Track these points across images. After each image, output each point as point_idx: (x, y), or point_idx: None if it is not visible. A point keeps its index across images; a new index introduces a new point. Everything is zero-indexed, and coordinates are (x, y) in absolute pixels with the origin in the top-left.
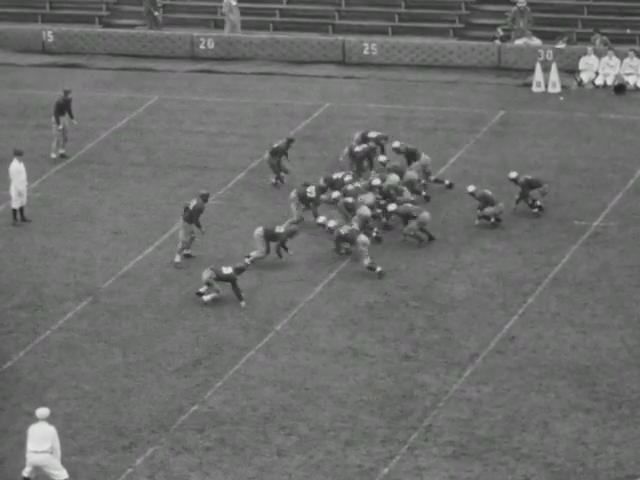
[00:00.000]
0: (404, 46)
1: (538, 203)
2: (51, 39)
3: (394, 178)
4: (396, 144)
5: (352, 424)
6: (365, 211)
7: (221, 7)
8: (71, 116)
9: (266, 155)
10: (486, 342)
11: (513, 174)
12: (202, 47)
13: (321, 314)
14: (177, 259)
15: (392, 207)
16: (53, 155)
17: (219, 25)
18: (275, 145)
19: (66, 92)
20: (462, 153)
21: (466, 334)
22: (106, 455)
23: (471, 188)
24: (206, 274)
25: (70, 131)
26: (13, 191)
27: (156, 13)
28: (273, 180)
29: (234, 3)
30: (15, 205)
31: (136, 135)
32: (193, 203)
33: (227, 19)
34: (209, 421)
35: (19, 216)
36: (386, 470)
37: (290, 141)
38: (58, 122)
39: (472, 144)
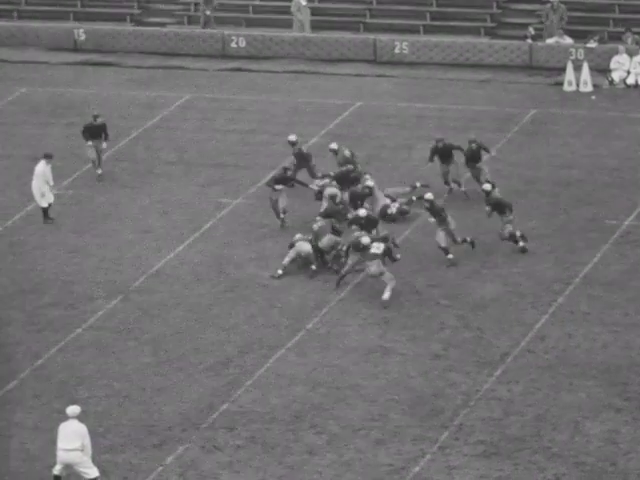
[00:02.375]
0: (435, 45)
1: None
2: (83, 37)
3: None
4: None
5: (383, 423)
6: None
7: (250, 7)
8: (106, 139)
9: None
10: (517, 341)
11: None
12: (233, 45)
13: (352, 313)
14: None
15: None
16: (99, 171)
17: (251, 24)
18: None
19: (95, 117)
20: (492, 152)
21: (497, 333)
22: (137, 453)
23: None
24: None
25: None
26: (35, 191)
27: (208, 12)
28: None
29: (304, 3)
30: (44, 204)
31: (167, 133)
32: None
33: (295, 19)
34: (240, 419)
35: (47, 214)
36: (417, 469)
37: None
38: (87, 139)
39: (503, 143)
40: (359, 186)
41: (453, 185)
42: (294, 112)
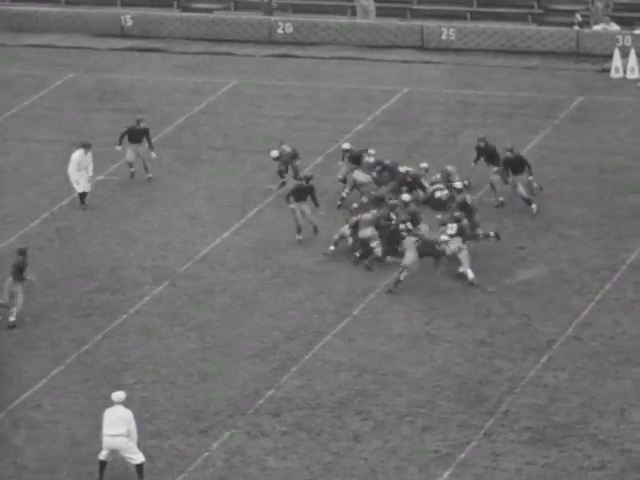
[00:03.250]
0: (482, 31)
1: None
2: (130, 23)
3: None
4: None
5: (429, 409)
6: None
7: None
8: (150, 147)
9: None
10: (563, 328)
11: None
12: (280, 31)
13: (398, 299)
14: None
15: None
16: (149, 175)
17: (297, 10)
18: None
19: (138, 120)
20: (540, 139)
21: (543, 320)
22: (182, 439)
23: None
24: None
25: (149, 162)
26: (70, 177)
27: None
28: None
29: None
30: (79, 189)
31: (214, 119)
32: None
33: (358, 4)
34: (285, 405)
35: (82, 200)
36: (462, 455)
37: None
38: (120, 143)
39: (550, 130)
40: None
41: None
42: (340, 98)
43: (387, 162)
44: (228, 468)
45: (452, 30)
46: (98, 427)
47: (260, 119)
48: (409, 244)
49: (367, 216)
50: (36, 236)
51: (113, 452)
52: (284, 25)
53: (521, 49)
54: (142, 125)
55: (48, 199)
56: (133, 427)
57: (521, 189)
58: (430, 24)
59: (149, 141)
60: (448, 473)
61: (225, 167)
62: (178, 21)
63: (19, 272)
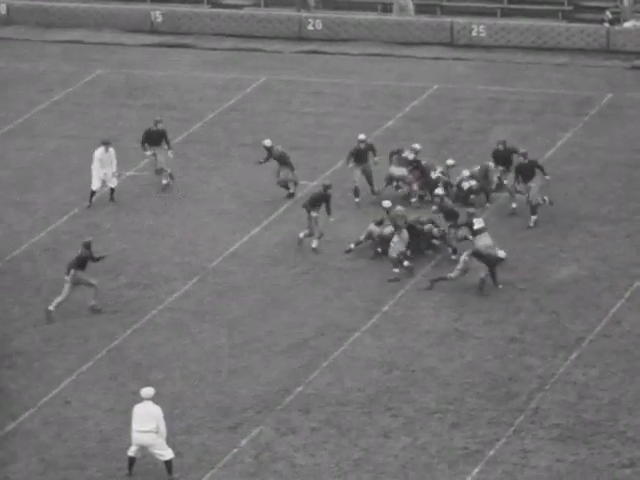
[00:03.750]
0: (513, 28)
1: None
2: (159, 19)
3: None
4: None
5: (458, 406)
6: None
7: None
8: (168, 147)
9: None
10: (593, 325)
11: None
12: (310, 28)
13: (427, 296)
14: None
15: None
16: (164, 181)
17: (327, 6)
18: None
19: (157, 122)
20: (570, 136)
21: (572, 317)
22: (211, 435)
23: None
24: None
25: (167, 164)
26: (93, 173)
27: None
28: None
29: None
30: (96, 186)
31: (243, 116)
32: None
33: (395, 1)
34: (315, 402)
35: (92, 200)
36: (492, 452)
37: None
38: (145, 149)
39: (580, 127)
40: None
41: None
42: (370, 95)
43: (424, 162)
44: (257, 464)
45: (482, 27)
46: (127, 423)
47: (289, 115)
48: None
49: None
50: (65, 232)
51: (142, 448)
52: (314, 21)
53: (551, 46)
54: (159, 127)
55: (77, 195)
56: (162, 423)
57: (533, 194)
58: (460, 21)
59: (167, 142)
60: (477, 470)
61: (255, 163)
62: (208, 17)
63: (83, 264)
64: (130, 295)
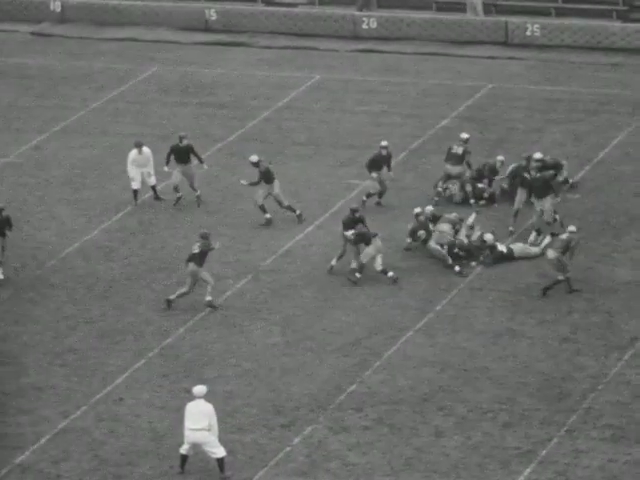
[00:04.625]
0: (567, 27)
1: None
2: (214, 17)
3: None
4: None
5: (510, 406)
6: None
7: None
8: (200, 161)
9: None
10: None
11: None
12: (364, 26)
13: (480, 295)
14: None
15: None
16: (198, 192)
17: (381, 5)
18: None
19: (181, 137)
20: (624, 136)
21: (626, 317)
22: (264, 433)
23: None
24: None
25: (197, 179)
26: (129, 174)
27: None
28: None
29: None
30: (134, 186)
31: (298, 114)
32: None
33: (468, 1)
34: (367, 401)
35: (137, 198)
36: (544, 452)
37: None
38: (167, 163)
39: (634, 127)
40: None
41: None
42: (424, 94)
43: (487, 162)
44: (309, 463)
45: (537, 26)
46: (179, 421)
47: (344, 114)
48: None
49: (449, 216)
50: (119, 230)
51: (194, 446)
52: (368, 20)
53: (606, 45)
54: (185, 142)
55: (130, 193)
56: (214, 421)
57: (547, 211)
58: (515, 20)
59: (197, 156)
60: (529, 470)
61: (309, 161)
62: (262, 15)
63: (203, 257)
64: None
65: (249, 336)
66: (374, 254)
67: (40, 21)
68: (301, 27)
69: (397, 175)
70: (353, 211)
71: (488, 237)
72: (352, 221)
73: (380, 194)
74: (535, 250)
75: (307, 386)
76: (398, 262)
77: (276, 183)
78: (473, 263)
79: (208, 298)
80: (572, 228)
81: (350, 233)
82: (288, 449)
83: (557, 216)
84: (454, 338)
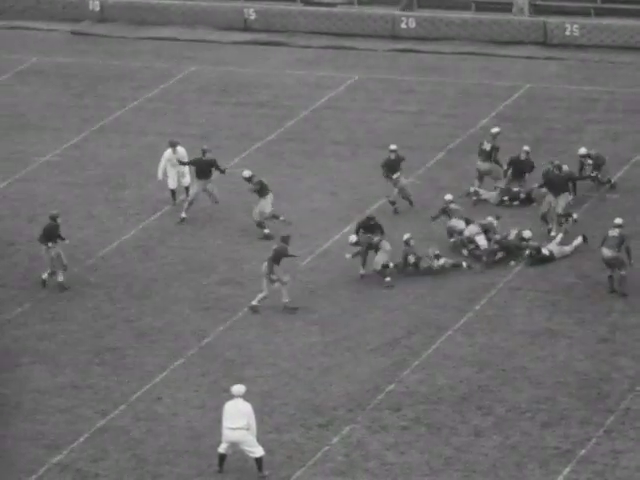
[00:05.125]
0: (606, 27)
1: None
2: (253, 16)
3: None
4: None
5: (549, 406)
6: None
7: None
8: (222, 172)
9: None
10: None
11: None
12: (403, 26)
13: (520, 295)
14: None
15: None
16: (183, 215)
17: (421, 5)
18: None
19: (204, 151)
20: None
21: None
22: (302, 433)
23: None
24: None
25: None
26: (168, 174)
27: None
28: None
29: None
30: (172, 185)
31: (336, 114)
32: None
33: (515, 1)
34: (406, 400)
35: (175, 197)
36: (583, 452)
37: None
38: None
39: None
40: None
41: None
42: (463, 94)
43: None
44: (348, 462)
45: (576, 26)
46: (218, 420)
47: (382, 114)
48: None
49: (481, 221)
50: (156, 229)
51: (233, 445)
52: (407, 20)
53: None
54: (208, 156)
55: (168, 192)
56: (253, 420)
57: (560, 208)
58: (553, 20)
59: (219, 169)
60: (568, 470)
61: (347, 161)
62: (301, 15)
63: (279, 258)
64: (222, 292)
65: (288, 336)
66: (387, 259)
67: (79, 20)
68: (340, 27)
69: (435, 174)
70: (369, 218)
71: (527, 234)
72: (365, 227)
73: (392, 202)
74: (568, 249)
75: (345, 386)
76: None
77: (269, 197)
78: (512, 262)
79: (285, 300)
80: (618, 221)
81: (351, 240)
82: (326, 449)
83: (575, 215)
84: (493, 338)
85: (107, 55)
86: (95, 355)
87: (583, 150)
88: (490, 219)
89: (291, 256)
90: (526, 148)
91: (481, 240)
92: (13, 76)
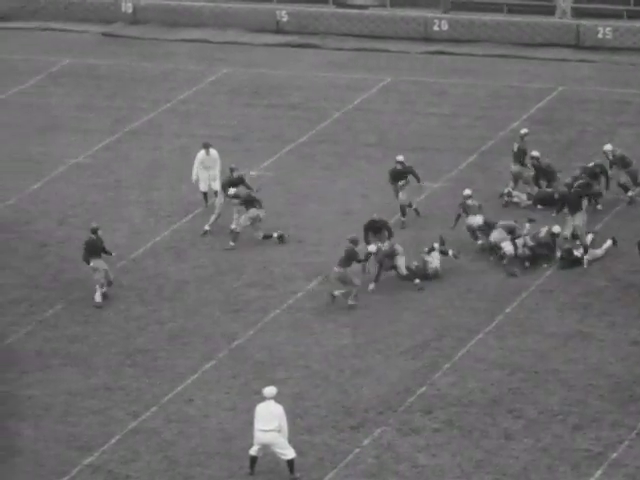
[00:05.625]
0: (639, 29)
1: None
2: (285, 19)
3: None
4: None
5: (581, 408)
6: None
7: None
8: (249, 188)
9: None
10: None
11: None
12: (436, 28)
13: (551, 297)
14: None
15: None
16: (206, 227)
17: (455, 7)
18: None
19: (232, 170)
20: None
21: None
22: (333, 435)
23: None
24: None
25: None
26: (200, 177)
27: None
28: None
29: None
30: (203, 188)
31: (368, 116)
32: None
33: (558, 4)
34: (437, 403)
35: (207, 200)
36: (614, 455)
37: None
38: (226, 192)
39: None
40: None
41: None
42: (495, 96)
43: (547, 161)
44: (379, 465)
45: (608, 29)
46: (249, 422)
47: (414, 116)
48: None
49: (505, 223)
50: (188, 231)
51: (264, 447)
52: (440, 22)
53: None
54: (236, 174)
55: (200, 194)
56: (284, 422)
57: (578, 227)
58: (586, 23)
59: (247, 187)
60: (600, 472)
61: (379, 164)
62: (333, 17)
63: (348, 261)
64: (252, 294)
65: (319, 338)
66: (405, 260)
67: (111, 22)
68: (372, 29)
69: (468, 177)
70: (374, 221)
71: (556, 229)
72: (372, 229)
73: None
74: (599, 252)
75: (376, 388)
76: (468, 264)
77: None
78: (545, 265)
79: (350, 302)
80: None
81: (372, 250)
82: (357, 451)
83: (590, 236)
84: (524, 340)
85: (139, 57)
86: (127, 357)
87: (609, 147)
88: (511, 222)
89: (360, 261)
90: (535, 154)
91: (507, 246)
92: (45, 77)
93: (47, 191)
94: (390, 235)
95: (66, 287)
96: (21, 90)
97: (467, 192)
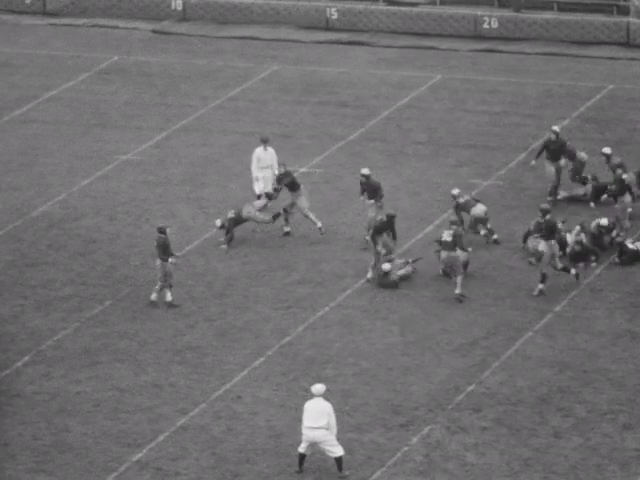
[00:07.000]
0: None
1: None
2: (335, 16)
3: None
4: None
5: (630, 407)
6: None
7: None
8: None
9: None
10: None
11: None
12: (486, 26)
13: (601, 296)
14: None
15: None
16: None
17: (503, 4)
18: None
19: (279, 165)
20: None
21: None
22: (382, 433)
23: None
24: None
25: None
26: (253, 174)
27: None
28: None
29: None
30: (256, 189)
31: (418, 114)
32: None
33: (632, 5)
34: (486, 401)
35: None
36: None
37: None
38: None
39: None
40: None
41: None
42: (545, 94)
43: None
44: (427, 463)
45: None
46: (298, 419)
47: (465, 114)
48: None
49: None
50: (238, 228)
51: (313, 445)
52: (490, 20)
53: None
54: (282, 170)
55: (250, 191)
56: (333, 420)
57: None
58: (636, 20)
59: (295, 186)
60: None
61: (429, 161)
62: (383, 14)
63: (455, 243)
64: (302, 292)
65: (368, 335)
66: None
67: (161, 19)
68: (422, 27)
69: (518, 175)
70: (390, 216)
71: (604, 221)
72: (386, 226)
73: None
74: None
75: (425, 386)
76: (516, 262)
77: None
78: (594, 264)
79: (457, 291)
80: None
81: (385, 268)
82: (406, 449)
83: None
84: (573, 339)
85: (189, 54)
86: (176, 354)
87: (607, 150)
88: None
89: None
90: (555, 128)
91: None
92: (95, 74)
93: (97, 188)
94: (394, 236)
95: (115, 284)
96: (70, 87)
97: (455, 192)
